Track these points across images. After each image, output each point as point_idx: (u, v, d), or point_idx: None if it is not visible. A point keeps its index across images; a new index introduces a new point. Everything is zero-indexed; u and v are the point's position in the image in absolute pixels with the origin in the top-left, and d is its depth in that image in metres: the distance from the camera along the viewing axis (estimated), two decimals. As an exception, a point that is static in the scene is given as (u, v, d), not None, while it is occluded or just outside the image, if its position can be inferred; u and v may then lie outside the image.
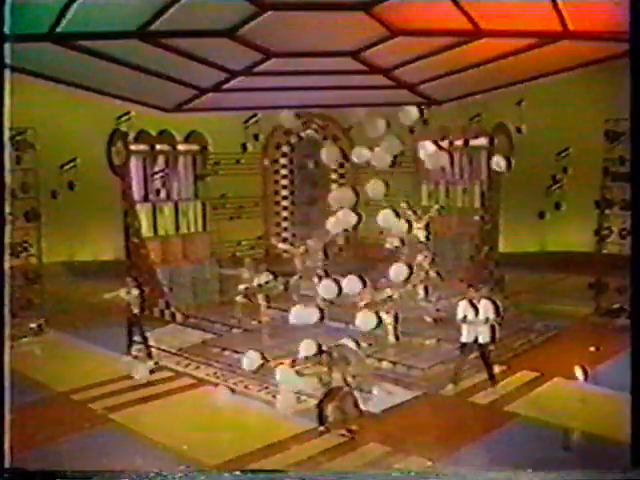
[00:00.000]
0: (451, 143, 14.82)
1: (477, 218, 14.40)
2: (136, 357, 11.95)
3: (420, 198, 15.16)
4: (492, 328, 10.47)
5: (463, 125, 13.63)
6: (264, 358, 10.30)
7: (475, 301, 10.44)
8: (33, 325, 12.56)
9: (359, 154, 10.16)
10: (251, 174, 15.56)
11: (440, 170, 14.10)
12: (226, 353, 12.05)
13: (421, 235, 13.73)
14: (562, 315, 13.04)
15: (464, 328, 10.50)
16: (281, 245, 15.23)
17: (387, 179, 10.66)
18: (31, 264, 12.92)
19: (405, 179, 14.03)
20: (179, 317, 14.25)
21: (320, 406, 9.21)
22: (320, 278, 12.11)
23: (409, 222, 11.30)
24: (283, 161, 16.24)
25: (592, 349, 10.80)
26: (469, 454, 8.38)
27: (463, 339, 10.56)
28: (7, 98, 8.04)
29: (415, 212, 13.76)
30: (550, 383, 10.42)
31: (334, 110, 14.58)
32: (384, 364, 11.17)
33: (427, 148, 10.64)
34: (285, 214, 16.46)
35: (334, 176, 16.29)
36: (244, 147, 14.65)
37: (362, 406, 9.28)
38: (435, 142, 10.71)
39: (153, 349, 12.16)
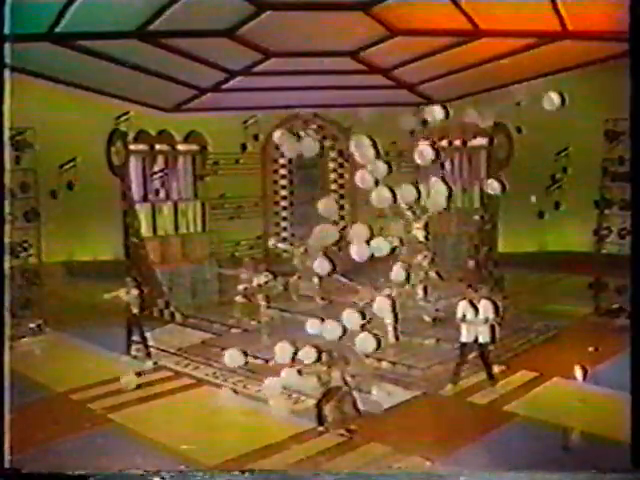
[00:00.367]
0: (450, 143, 14.84)
1: (477, 218, 14.39)
2: (135, 357, 11.96)
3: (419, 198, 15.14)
4: (492, 328, 10.48)
5: (462, 125, 13.62)
6: (246, 355, 10.33)
7: (475, 301, 10.44)
8: (32, 325, 12.54)
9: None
10: (250, 174, 15.54)
11: (439, 170, 14.09)
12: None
13: (420, 235, 13.72)
14: (561, 315, 13.03)
15: (463, 328, 10.51)
16: (280, 245, 15.22)
17: (386, 180, 10.70)
18: (30, 264, 12.91)
19: (404, 179, 14.00)
20: (178, 317, 14.24)
21: (319, 406, 9.22)
22: (320, 278, 12.14)
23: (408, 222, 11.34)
24: (282, 161, 16.22)
25: (591, 349, 10.80)
26: (468, 454, 8.38)
27: (463, 339, 10.56)
28: (7, 98, 8.05)
29: (414, 212, 13.75)
30: (549, 383, 10.42)
31: (334, 110, 14.57)
32: (383, 364, 11.17)
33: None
34: (285, 214, 16.45)
35: (333, 176, 16.28)
36: (244, 147, 14.65)
37: (362, 406, 9.29)
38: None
39: (152, 349, 12.16)
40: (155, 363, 11.83)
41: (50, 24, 7.80)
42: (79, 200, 12.53)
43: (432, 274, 13.47)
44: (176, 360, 12.01)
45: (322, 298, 13.74)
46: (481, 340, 10.46)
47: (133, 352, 12.01)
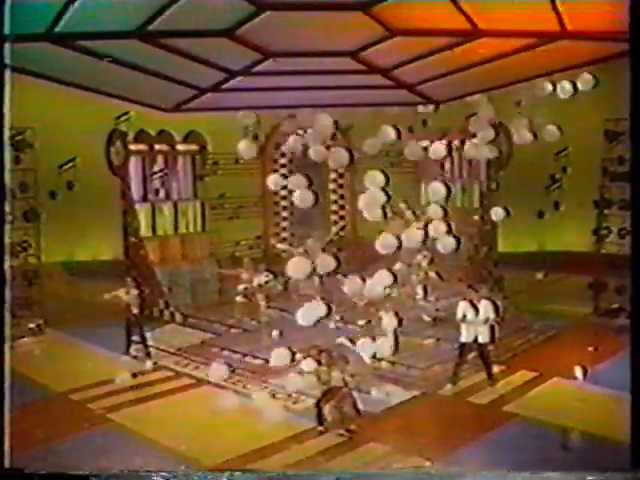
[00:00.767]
0: (450, 143, 14.83)
1: (476, 218, 14.40)
2: (135, 357, 11.96)
3: (419, 198, 15.15)
4: (491, 328, 10.48)
5: (462, 124, 13.61)
6: (233, 370, 10.41)
7: (475, 301, 10.45)
8: (32, 325, 12.55)
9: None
10: (250, 174, 15.54)
11: (439, 169, 14.09)
12: (225, 353, 12.05)
13: (420, 235, 13.70)
14: (561, 315, 13.04)
15: (463, 328, 10.51)
16: (280, 245, 15.22)
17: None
18: (30, 264, 12.91)
19: (404, 179, 14.02)
20: (178, 317, 14.25)
21: (319, 406, 9.22)
22: (320, 278, 12.10)
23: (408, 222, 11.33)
24: (282, 161, 16.21)
25: (591, 349, 10.81)
26: (468, 454, 8.39)
27: (462, 339, 10.57)
28: (7, 98, 8.05)
29: (414, 212, 13.74)
30: (549, 383, 10.42)
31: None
32: (383, 364, 11.17)
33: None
34: (284, 214, 16.44)
35: (333, 175, 16.29)
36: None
37: (361, 406, 9.30)
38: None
39: (152, 349, 12.16)
40: (155, 363, 11.83)
41: (50, 24, 7.80)
42: (79, 200, 12.53)
43: (432, 274, 13.48)
44: (176, 360, 12.02)
45: (322, 298, 13.72)
46: (481, 340, 10.47)
47: (133, 352, 12.01)
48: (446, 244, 10.60)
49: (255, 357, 11.72)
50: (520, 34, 8.49)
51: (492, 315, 10.46)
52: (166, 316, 14.33)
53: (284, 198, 16.35)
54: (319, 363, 9.56)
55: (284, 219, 16.48)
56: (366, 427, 9.11)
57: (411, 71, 9.73)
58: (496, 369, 10.73)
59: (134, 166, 14.66)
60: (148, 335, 12.23)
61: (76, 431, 9.11)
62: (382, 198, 10.10)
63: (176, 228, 15.50)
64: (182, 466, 8.17)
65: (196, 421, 9.30)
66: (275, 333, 12.10)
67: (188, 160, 15.54)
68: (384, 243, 10.11)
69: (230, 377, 10.97)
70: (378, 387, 10.15)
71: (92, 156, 13.38)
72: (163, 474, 7.88)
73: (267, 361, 11.33)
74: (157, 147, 15.01)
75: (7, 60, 7.95)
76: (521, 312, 12.85)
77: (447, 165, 15.22)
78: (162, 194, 15.29)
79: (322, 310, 9.94)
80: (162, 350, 12.37)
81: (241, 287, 13.60)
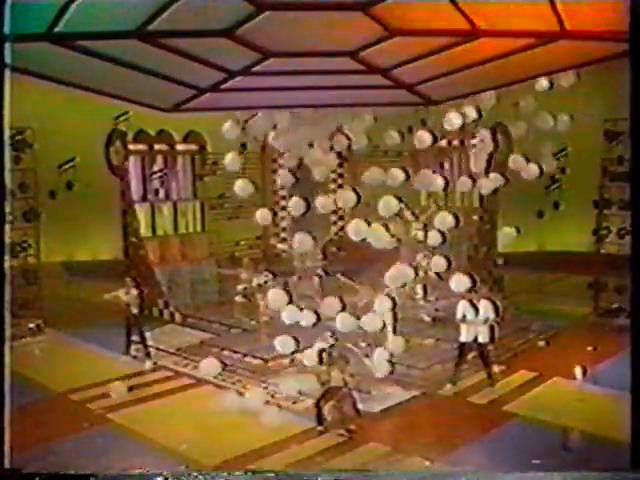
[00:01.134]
0: (449, 142, 14.84)
1: (476, 218, 14.40)
2: (135, 357, 11.97)
3: (418, 198, 15.15)
4: (491, 328, 10.48)
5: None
6: (224, 364, 10.38)
7: (475, 301, 10.45)
8: (32, 325, 12.57)
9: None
10: (250, 174, 15.53)
11: (438, 169, 14.09)
12: (225, 353, 12.05)
13: (419, 235, 13.70)
14: (561, 315, 13.06)
15: (463, 328, 10.52)
16: (280, 245, 15.24)
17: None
18: (30, 264, 12.93)
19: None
20: (178, 317, 14.26)
21: (318, 406, 9.22)
22: (320, 277, 12.14)
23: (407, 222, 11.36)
24: (282, 161, 16.20)
25: (590, 349, 10.82)
26: (468, 454, 8.39)
27: (462, 339, 10.58)
28: (7, 98, 8.05)
29: (413, 212, 13.74)
30: (549, 383, 10.43)
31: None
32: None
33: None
34: (284, 214, 16.45)
35: (333, 175, 16.29)
36: (243, 147, 14.63)
37: (360, 406, 9.31)
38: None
39: (152, 349, 12.17)
40: (154, 363, 11.84)
41: (49, 24, 7.79)
42: (78, 200, 12.55)
43: (432, 274, 13.47)
44: (175, 360, 12.03)
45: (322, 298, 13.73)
46: (481, 340, 10.47)
47: (132, 352, 12.03)
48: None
49: (255, 357, 11.72)
50: (520, 34, 8.48)
51: (492, 315, 10.47)
52: (166, 316, 14.34)
53: (284, 198, 16.38)
54: (320, 361, 9.58)
55: (283, 219, 16.49)
56: (366, 427, 9.11)
57: (411, 71, 9.71)
58: (496, 369, 10.74)
59: (134, 166, 14.69)
60: (148, 335, 12.24)
61: (76, 431, 9.12)
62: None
63: (176, 228, 15.52)
64: (182, 466, 8.17)
65: (196, 421, 9.30)
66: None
67: (188, 160, 15.57)
68: (355, 230, 10.19)
69: (230, 377, 10.99)
70: (378, 387, 10.15)
71: (92, 156, 13.40)
72: (163, 474, 7.88)
73: (267, 361, 11.35)
74: (157, 147, 15.03)
75: (7, 60, 7.95)
76: (521, 312, 12.86)
77: (447, 165, 15.26)
78: (162, 194, 15.32)
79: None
80: (162, 350, 12.38)
81: (240, 287, 13.61)
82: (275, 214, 11.62)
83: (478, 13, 7.88)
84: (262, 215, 11.05)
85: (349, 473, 8.01)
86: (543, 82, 10.50)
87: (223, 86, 9.97)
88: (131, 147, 14.31)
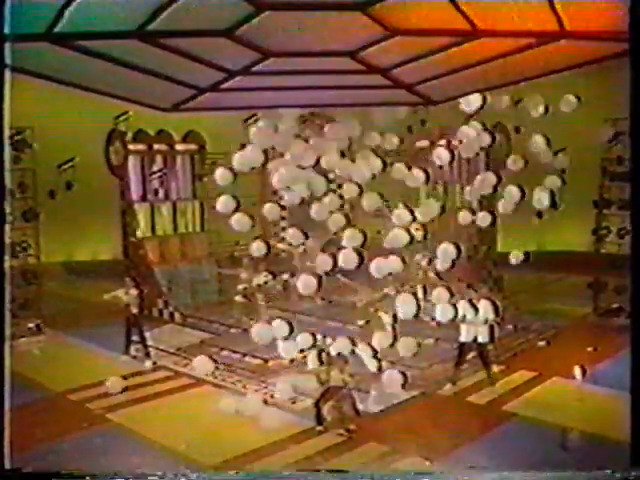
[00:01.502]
0: (449, 142, 14.81)
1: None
2: (135, 357, 11.97)
3: (418, 197, 15.13)
4: (491, 328, 10.49)
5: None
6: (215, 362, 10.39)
7: (474, 301, 10.45)
8: (31, 325, 12.56)
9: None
10: (250, 174, 15.51)
11: (438, 169, 14.09)
12: (225, 353, 12.05)
13: (419, 235, 13.69)
14: (561, 315, 13.05)
15: (463, 328, 10.52)
16: (280, 245, 15.21)
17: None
18: (29, 264, 12.92)
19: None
20: (177, 317, 14.26)
21: (318, 405, 9.22)
22: (320, 277, 12.07)
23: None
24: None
25: (590, 349, 10.82)
26: (467, 454, 8.39)
27: (462, 339, 10.58)
28: (6, 98, 8.05)
29: (413, 212, 13.71)
30: (548, 383, 10.43)
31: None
32: (383, 364, 11.14)
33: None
34: (283, 214, 16.41)
35: (332, 175, 16.24)
36: (243, 147, 14.61)
37: (360, 406, 9.31)
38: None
39: (151, 349, 12.17)
40: (154, 363, 11.84)
41: (49, 24, 7.79)
42: (78, 200, 12.52)
43: (431, 274, 13.46)
44: (175, 360, 12.02)
45: (322, 298, 13.74)
46: (480, 340, 10.48)
47: (132, 352, 12.03)
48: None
49: (254, 357, 11.72)
50: (519, 34, 8.48)
51: (492, 315, 10.47)
52: (165, 316, 14.34)
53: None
54: (320, 362, 9.58)
55: (283, 219, 16.45)
56: (365, 427, 9.11)
57: (410, 71, 9.71)
58: (495, 369, 10.74)
59: (133, 166, 14.67)
60: (147, 335, 12.23)
61: (75, 431, 9.12)
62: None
63: (175, 228, 15.50)
64: (181, 466, 8.17)
65: (195, 421, 9.30)
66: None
67: (187, 160, 15.55)
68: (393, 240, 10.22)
69: (229, 377, 10.99)
70: (377, 387, 10.15)
71: (91, 156, 13.38)
72: (162, 474, 7.88)
73: (266, 361, 11.35)
74: (156, 147, 15.01)
75: (7, 60, 7.95)
76: (521, 312, 12.85)
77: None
78: (161, 194, 15.30)
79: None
80: (161, 350, 12.38)
81: (240, 287, 13.60)
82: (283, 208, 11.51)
83: (478, 13, 7.88)
84: (270, 210, 11.02)
85: (349, 473, 8.01)
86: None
87: (223, 86, 9.97)
88: (130, 147, 14.30)
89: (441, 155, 10.97)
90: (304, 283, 9.90)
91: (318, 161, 10.82)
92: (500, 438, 8.83)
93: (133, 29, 7.93)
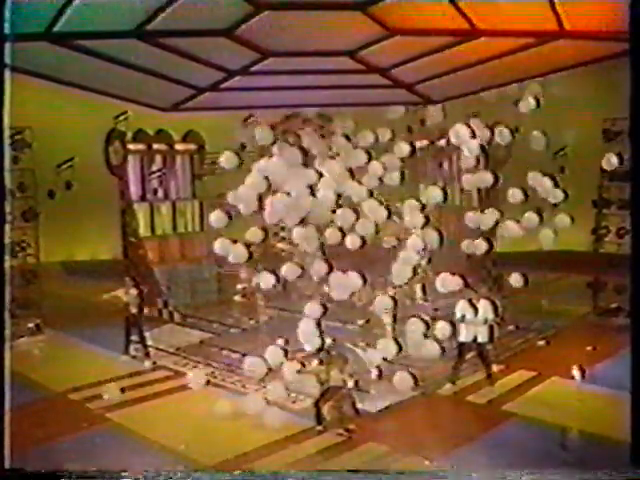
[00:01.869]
0: (448, 142, 14.80)
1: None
2: (134, 357, 11.97)
3: (417, 197, 15.11)
4: (490, 328, 10.48)
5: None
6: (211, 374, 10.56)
7: (474, 301, 10.45)
8: (31, 325, 12.55)
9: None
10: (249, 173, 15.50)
11: (437, 168, 14.09)
12: (224, 353, 12.05)
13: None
14: (560, 314, 13.04)
15: (462, 327, 10.51)
16: (280, 245, 15.20)
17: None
18: (29, 264, 12.91)
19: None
20: (177, 317, 14.24)
21: (317, 405, 9.22)
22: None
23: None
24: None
25: (590, 348, 10.82)
26: (467, 453, 8.39)
27: (461, 338, 10.57)
28: (6, 98, 8.05)
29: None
30: (548, 382, 10.43)
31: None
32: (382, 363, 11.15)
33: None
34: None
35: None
36: (242, 147, 14.61)
37: (359, 405, 9.31)
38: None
39: (151, 349, 12.16)
40: (154, 363, 11.83)
41: (49, 23, 7.79)
42: (77, 200, 12.50)
43: (431, 274, 13.46)
44: (175, 360, 12.01)
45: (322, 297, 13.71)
46: (480, 340, 10.47)
47: (132, 352, 12.03)
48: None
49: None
50: (519, 34, 8.49)
51: (491, 315, 10.47)
52: (165, 316, 14.32)
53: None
54: (320, 362, 9.59)
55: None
56: (365, 426, 9.11)
57: (410, 71, 9.73)
58: (495, 368, 10.74)
59: (132, 165, 14.64)
60: (147, 335, 12.23)
61: (75, 431, 9.12)
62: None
63: (175, 227, 15.48)
64: (181, 466, 8.17)
65: (195, 421, 9.30)
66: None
67: (186, 159, 15.53)
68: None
69: (229, 377, 10.99)
70: (377, 387, 10.15)
71: (90, 156, 13.36)
72: (162, 474, 7.88)
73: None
74: (155, 146, 14.99)
75: (7, 60, 7.96)
76: (520, 311, 12.84)
77: (445, 165, 15.21)
78: (160, 193, 15.28)
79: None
80: (161, 350, 12.37)
81: (240, 287, 13.59)
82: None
83: (478, 13, 7.89)
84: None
85: (348, 473, 8.01)
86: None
87: (222, 86, 9.99)
88: (130, 147, 14.28)
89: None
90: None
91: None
92: (500, 438, 8.83)
93: (132, 29, 7.94)
